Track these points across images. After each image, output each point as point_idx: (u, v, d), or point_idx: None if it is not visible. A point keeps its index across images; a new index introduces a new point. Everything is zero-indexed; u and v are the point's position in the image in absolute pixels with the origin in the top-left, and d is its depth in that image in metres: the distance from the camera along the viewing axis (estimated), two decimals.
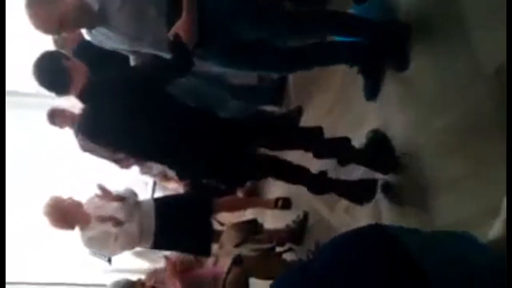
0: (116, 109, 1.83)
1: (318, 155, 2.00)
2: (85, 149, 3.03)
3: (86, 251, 2.89)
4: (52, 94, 1.98)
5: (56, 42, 2.73)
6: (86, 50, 2.47)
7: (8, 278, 3.93)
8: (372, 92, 2.00)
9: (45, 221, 2.65)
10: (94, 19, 1.74)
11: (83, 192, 2.87)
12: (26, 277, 4.17)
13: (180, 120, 1.89)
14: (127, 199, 2.70)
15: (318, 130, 2.00)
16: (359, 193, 2.01)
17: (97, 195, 2.67)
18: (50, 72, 1.91)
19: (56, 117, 3.17)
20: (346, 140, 1.99)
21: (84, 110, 2.01)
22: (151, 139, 1.88)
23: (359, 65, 1.98)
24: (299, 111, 2.84)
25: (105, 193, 2.69)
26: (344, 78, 2.37)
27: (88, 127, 2.02)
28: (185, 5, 1.68)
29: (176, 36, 1.70)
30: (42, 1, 1.66)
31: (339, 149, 1.97)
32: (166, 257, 2.84)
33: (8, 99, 3.43)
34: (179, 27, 1.69)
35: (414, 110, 1.83)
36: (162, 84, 1.88)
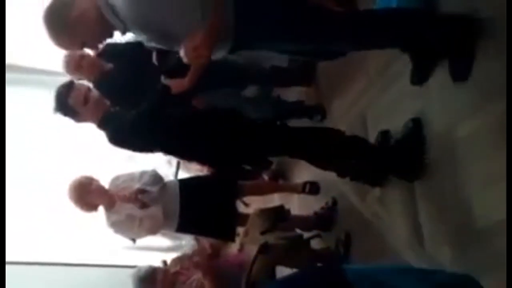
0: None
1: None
2: None
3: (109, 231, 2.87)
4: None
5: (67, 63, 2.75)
6: (105, 84, 2.56)
7: (27, 258, 4.02)
8: (419, 78, 1.83)
9: (68, 202, 2.63)
10: (115, 29, 1.67)
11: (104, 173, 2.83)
12: (47, 258, 4.22)
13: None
14: (148, 192, 2.64)
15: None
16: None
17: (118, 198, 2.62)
18: (60, 106, 2.30)
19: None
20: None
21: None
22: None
23: (414, 52, 1.77)
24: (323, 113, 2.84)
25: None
26: (376, 64, 2.22)
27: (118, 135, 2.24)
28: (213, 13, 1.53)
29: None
30: (61, 31, 1.62)
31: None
32: (198, 240, 2.78)
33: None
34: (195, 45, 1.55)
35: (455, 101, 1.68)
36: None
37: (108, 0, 1.57)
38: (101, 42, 1.70)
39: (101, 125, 2.33)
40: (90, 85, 2.47)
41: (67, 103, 2.29)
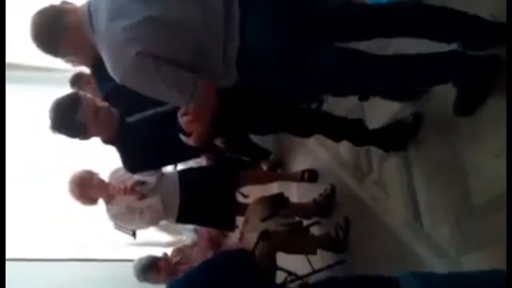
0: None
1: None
2: None
3: (110, 225, 2.88)
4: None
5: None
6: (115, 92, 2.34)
7: (28, 255, 4.01)
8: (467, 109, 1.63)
9: (67, 197, 2.63)
10: None
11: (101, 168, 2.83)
12: (49, 254, 4.22)
13: None
14: (146, 183, 2.64)
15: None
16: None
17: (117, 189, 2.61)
18: (66, 125, 2.03)
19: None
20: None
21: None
22: None
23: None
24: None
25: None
26: None
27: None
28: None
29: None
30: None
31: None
32: (198, 231, 2.79)
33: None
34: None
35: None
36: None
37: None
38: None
39: (113, 142, 2.19)
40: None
41: (76, 119, 2.01)
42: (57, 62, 1.72)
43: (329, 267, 2.40)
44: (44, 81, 4.14)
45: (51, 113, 2.03)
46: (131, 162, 2.22)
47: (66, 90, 2.77)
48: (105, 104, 2.15)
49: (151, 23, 1.47)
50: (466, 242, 1.61)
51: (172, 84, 1.50)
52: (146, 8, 1.48)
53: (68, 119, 2.02)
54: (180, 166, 3.14)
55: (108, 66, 1.53)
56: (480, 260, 1.52)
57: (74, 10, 1.57)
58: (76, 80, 3.29)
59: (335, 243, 2.48)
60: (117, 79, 1.53)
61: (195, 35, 1.50)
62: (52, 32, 1.54)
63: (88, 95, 2.22)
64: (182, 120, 1.63)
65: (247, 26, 1.48)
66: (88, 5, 1.55)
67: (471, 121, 1.61)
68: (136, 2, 1.50)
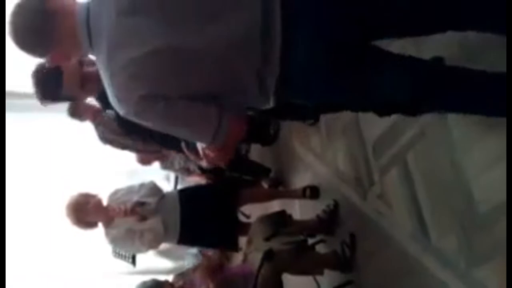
0: None
1: None
2: (106, 140, 2.95)
3: (109, 254, 2.83)
4: None
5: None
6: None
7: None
8: None
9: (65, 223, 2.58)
10: None
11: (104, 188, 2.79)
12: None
13: None
14: (146, 204, 2.60)
15: None
16: None
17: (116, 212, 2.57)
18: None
19: (78, 109, 3.12)
20: None
21: None
22: None
23: None
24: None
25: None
26: None
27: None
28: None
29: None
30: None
31: None
32: (203, 254, 2.72)
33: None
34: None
35: None
36: None
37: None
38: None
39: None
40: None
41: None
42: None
43: None
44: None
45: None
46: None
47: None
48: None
49: (163, 55, 1.20)
50: (475, 252, 1.58)
51: (189, 125, 1.29)
52: (159, 33, 1.20)
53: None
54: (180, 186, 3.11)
55: (109, 95, 1.30)
56: (490, 270, 1.48)
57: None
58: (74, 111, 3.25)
59: (342, 262, 2.42)
60: (119, 112, 1.31)
61: (220, 64, 1.22)
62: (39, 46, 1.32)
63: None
64: (202, 152, 1.42)
65: (290, 47, 1.18)
66: (87, 23, 1.26)
67: (468, 127, 1.59)
68: (147, 23, 1.21)
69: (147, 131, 1.66)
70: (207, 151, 1.41)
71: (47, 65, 1.61)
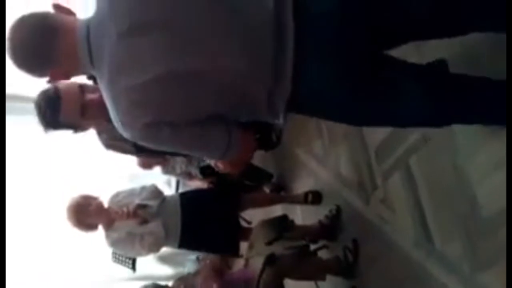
0: None
1: None
2: (109, 146, 2.94)
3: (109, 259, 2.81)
4: None
5: None
6: None
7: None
8: None
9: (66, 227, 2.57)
10: None
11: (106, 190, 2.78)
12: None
13: None
14: (148, 206, 2.59)
15: None
16: None
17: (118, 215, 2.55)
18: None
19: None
20: None
21: None
22: None
23: None
24: None
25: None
26: None
27: None
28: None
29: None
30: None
31: None
32: (203, 260, 2.71)
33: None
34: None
35: None
36: None
37: None
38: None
39: None
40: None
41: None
42: None
43: None
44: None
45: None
46: None
47: None
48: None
49: (165, 81, 1.16)
50: (478, 257, 1.56)
51: (197, 149, 1.31)
52: (159, 57, 1.16)
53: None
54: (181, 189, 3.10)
55: (112, 117, 1.26)
56: (495, 275, 1.47)
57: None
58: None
59: (345, 267, 2.40)
60: (123, 134, 1.28)
61: (228, 85, 1.19)
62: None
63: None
64: (214, 164, 1.42)
65: (303, 67, 1.15)
66: (87, 39, 1.23)
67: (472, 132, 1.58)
68: (148, 45, 1.17)
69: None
70: (219, 164, 1.42)
71: (46, 82, 1.55)
